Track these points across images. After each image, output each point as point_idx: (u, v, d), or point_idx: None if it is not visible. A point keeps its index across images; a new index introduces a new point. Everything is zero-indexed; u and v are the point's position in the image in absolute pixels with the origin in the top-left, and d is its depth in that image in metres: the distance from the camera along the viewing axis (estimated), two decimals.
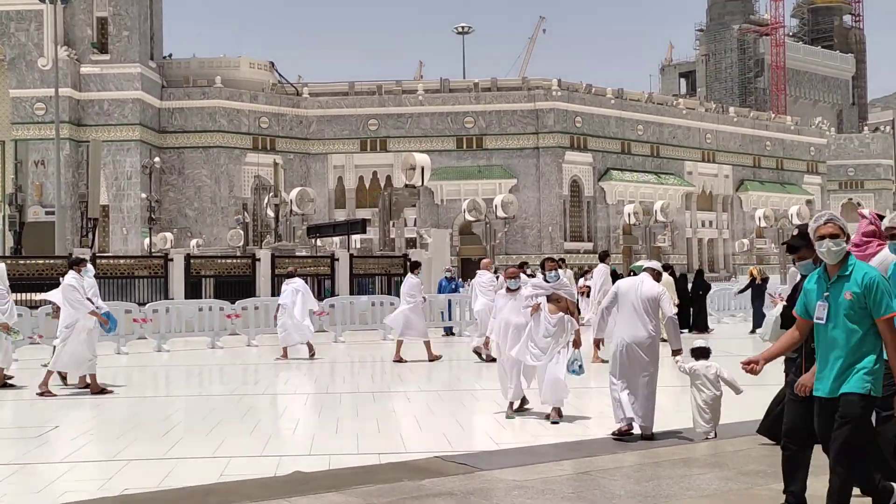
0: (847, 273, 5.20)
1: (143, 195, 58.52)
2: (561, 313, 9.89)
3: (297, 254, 35.28)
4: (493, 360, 12.34)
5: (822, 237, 5.26)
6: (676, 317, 9.52)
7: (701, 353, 8.79)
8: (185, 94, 67.42)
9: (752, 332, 22.06)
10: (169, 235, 59.62)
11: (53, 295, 13.90)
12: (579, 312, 12.03)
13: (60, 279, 14.38)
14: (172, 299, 24.80)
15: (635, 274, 9.55)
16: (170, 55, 72.67)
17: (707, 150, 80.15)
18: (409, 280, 18.16)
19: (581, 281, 28.06)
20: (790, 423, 5.71)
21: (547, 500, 6.31)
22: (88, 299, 13.29)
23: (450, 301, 24.56)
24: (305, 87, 72.86)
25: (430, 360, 17.16)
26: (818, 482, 6.51)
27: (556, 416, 9.96)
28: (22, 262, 27.13)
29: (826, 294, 5.22)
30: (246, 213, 60.21)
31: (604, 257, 21.90)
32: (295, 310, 18.13)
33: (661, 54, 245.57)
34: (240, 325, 21.98)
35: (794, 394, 5.66)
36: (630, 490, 6.60)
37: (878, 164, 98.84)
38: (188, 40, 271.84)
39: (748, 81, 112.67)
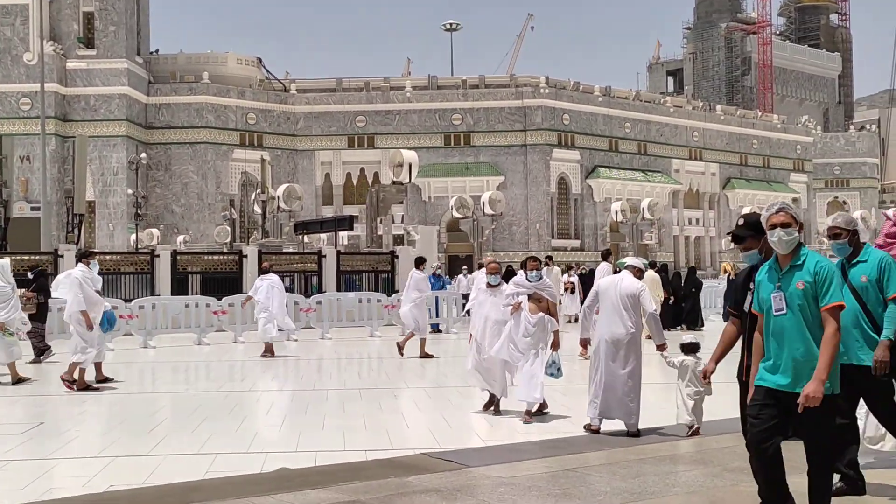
0: (799, 263, 5.08)
1: (130, 191, 58.26)
2: (541, 313, 9.85)
3: (285, 250, 35.21)
4: None
5: (773, 226, 5.13)
6: (658, 312, 9.57)
7: (689, 349, 8.85)
8: (172, 90, 67.13)
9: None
10: (155, 231, 59.35)
11: (61, 291, 13.77)
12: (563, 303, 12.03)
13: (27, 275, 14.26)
14: (159, 295, 24.75)
15: (619, 271, 9.60)
16: (156, 50, 72.34)
17: (694, 147, 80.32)
18: (415, 275, 18.17)
19: (565, 277, 28.15)
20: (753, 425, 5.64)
21: (533, 497, 6.32)
22: (98, 292, 13.38)
23: (437, 298, 24.57)
24: (293, 83, 72.63)
25: (421, 357, 17.19)
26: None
27: (528, 418, 9.93)
28: (7, 257, 26.95)
29: (778, 285, 5.09)
30: (233, 210, 60.05)
31: (606, 255, 21.98)
32: (272, 306, 18.01)
33: (648, 52, 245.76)
34: (226, 321, 21.93)
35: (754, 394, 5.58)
36: (616, 487, 6.61)
37: (863, 162, 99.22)
38: (175, 36, 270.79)
39: (735, 80, 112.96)
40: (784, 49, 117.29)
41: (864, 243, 6.55)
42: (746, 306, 5.92)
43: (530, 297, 9.94)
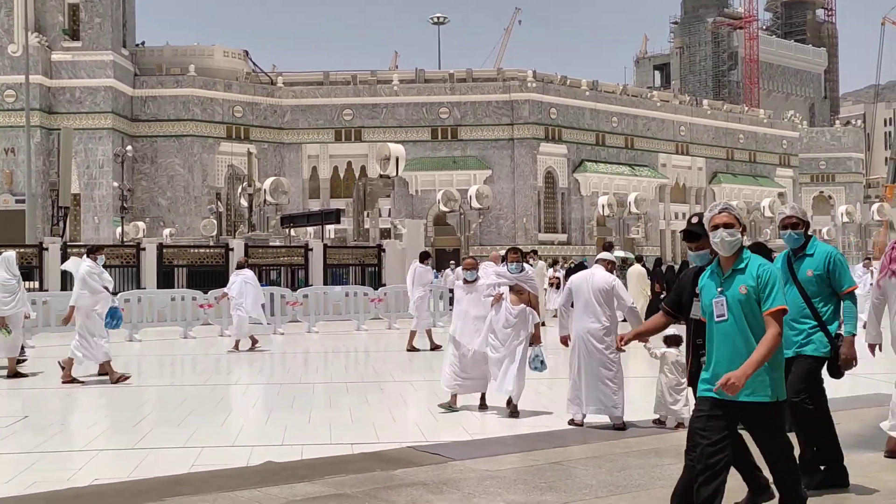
0: (742, 266, 4.91)
1: (115, 184, 58.00)
2: (523, 305, 9.82)
3: (271, 244, 35.11)
4: None
5: (716, 227, 4.96)
6: (635, 305, 9.60)
7: (673, 341, 8.88)
8: (158, 83, 66.84)
9: None
10: (141, 224, 59.14)
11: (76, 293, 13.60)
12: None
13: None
14: (144, 289, 24.67)
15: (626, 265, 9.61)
16: (142, 43, 71.99)
17: (681, 142, 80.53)
18: (420, 268, 18.16)
19: (550, 272, 28.16)
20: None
21: (519, 490, 6.33)
22: (105, 287, 13.35)
23: None
24: (280, 76, 72.44)
25: (408, 350, 17.22)
26: None
27: (514, 410, 9.93)
28: (13, 250, 26.83)
29: (720, 289, 4.92)
30: (219, 203, 59.85)
31: (608, 248, 21.98)
32: (243, 301, 17.92)
33: (635, 47, 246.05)
34: (212, 315, 21.86)
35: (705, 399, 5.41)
36: (601, 480, 6.62)
37: (849, 157, 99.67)
38: (161, 28, 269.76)
39: (722, 74, 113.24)
40: (770, 44, 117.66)
41: (811, 236, 6.50)
42: (694, 312, 5.71)
43: (512, 288, 9.89)
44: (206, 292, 22.00)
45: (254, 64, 74.55)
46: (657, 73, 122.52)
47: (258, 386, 13.62)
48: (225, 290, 18.85)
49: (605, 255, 9.76)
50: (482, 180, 66.64)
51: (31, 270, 24.45)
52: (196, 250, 30.67)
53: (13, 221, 48.87)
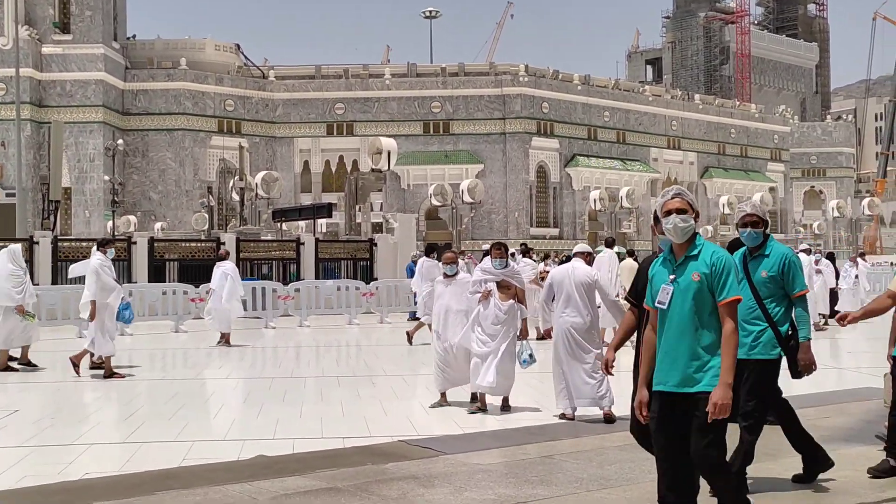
0: (695, 253, 4.73)
1: (107, 178, 57.78)
2: (511, 301, 9.79)
3: (263, 238, 35.10)
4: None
5: (668, 212, 4.77)
6: (618, 298, 9.61)
7: None
8: (150, 76, 66.59)
9: None
10: (132, 218, 58.95)
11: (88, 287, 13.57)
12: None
13: None
14: (136, 283, 24.62)
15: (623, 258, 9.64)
16: (133, 36, 71.68)
17: (672, 136, 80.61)
18: (428, 262, 18.16)
19: (541, 266, 28.18)
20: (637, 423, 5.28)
21: (510, 484, 6.35)
22: (116, 280, 13.39)
23: None
24: (272, 70, 72.22)
25: (410, 340, 17.36)
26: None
27: (505, 405, 9.95)
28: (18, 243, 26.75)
29: (672, 277, 4.74)
30: (211, 197, 59.72)
31: (611, 244, 21.95)
32: (223, 294, 17.85)
33: (627, 41, 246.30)
34: (204, 309, 21.81)
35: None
36: (592, 473, 6.65)
37: (839, 152, 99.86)
38: (152, 21, 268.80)
39: (714, 69, 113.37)
40: (762, 39, 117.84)
41: (769, 235, 6.41)
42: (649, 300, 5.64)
43: (499, 284, 9.82)
44: (197, 286, 21.97)
45: (245, 58, 74.32)
46: (649, 68, 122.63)
47: (249, 380, 13.62)
48: (211, 287, 18.80)
49: (582, 247, 9.76)
50: (474, 174, 66.60)
51: None
52: (187, 244, 30.59)
53: (3, 215, 48.57)
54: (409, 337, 17.47)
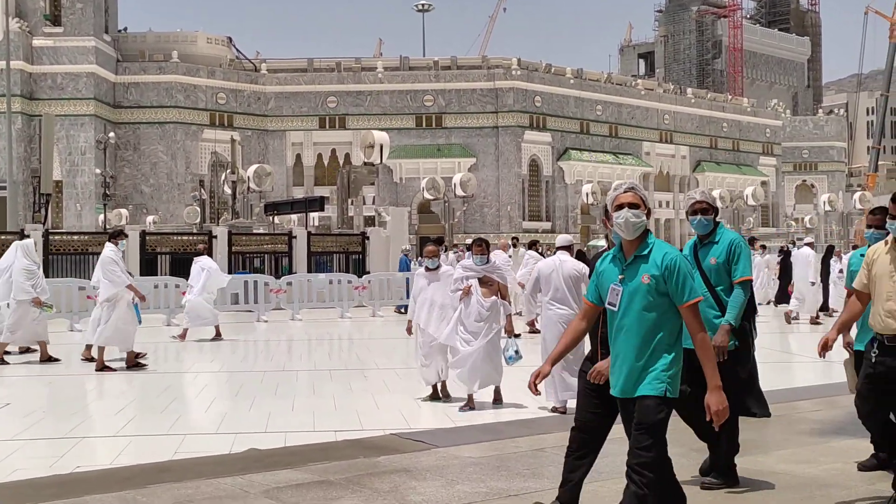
0: (645, 253, 4.52)
1: (98, 171, 57.65)
2: (494, 297, 9.74)
3: (255, 231, 35.03)
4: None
5: (620, 206, 4.56)
6: None
7: None
8: (141, 69, 66.42)
9: None
10: (124, 212, 58.83)
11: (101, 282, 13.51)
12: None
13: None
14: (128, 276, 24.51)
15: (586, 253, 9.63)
16: (125, 28, 71.46)
17: (665, 130, 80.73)
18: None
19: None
20: (581, 417, 5.29)
21: (503, 477, 6.36)
22: (129, 273, 13.38)
23: (408, 279, 24.57)
24: (264, 63, 72.10)
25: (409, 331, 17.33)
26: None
27: (497, 398, 9.95)
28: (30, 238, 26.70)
29: (621, 276, 4.56)
30: (203, 190, 59.60)
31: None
32: (196, 289, 17.75)
33: (620, 35, 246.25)
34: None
35: (588, 383, 5.20)
36: None
37: (831, 146, 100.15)
38: (144, 14, 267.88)
39: (706, 63, 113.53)
40: (754, 33, 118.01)
41: (720, 223, 6.35)
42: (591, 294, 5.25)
43: (481, 280, 9.73)
44: (188, 280, 21.90)
45: (237, 51, 74.19)
46: (641, 62, 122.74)
47: (241, 373, 13.61)
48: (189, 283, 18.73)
49: (564, 238, 9.76)
50: (467, 168, 66.62)
51: None
52: (179, 238, 30.53)
53: None
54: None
